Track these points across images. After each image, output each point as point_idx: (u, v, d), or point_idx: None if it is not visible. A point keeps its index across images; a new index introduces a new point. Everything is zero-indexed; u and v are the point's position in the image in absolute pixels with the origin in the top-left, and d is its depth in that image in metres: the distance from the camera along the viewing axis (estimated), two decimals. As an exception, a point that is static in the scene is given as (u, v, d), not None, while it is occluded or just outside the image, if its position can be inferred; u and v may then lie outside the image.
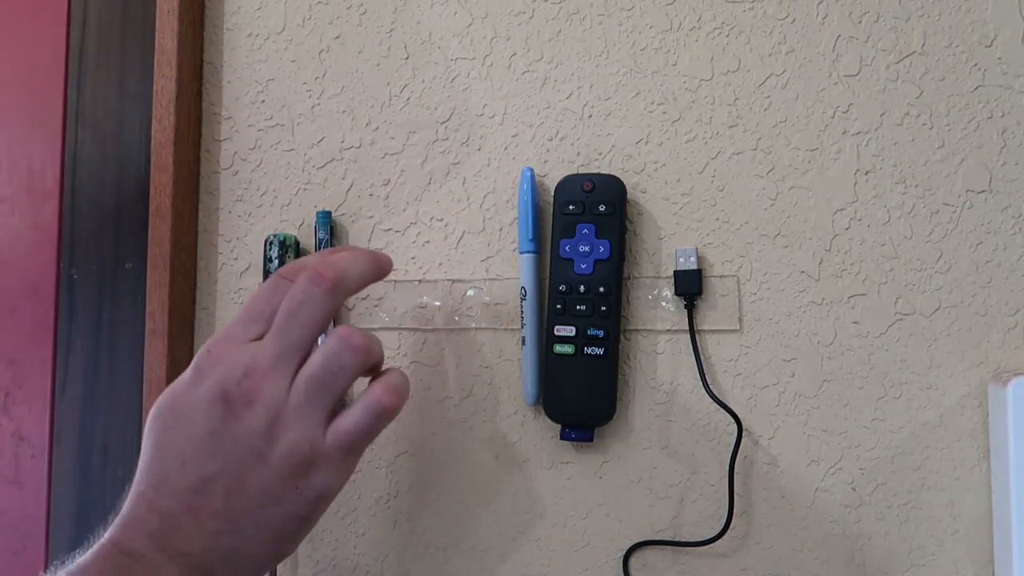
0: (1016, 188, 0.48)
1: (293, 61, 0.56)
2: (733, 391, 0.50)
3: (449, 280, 0.53)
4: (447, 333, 0.53)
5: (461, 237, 0.53)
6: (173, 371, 0.54)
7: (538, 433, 0.52)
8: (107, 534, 0.38)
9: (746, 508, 0.49)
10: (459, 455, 0.53)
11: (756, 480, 0.49)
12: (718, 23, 0.51)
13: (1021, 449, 0.44)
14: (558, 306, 0.49)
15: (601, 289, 0.49)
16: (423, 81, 0.55)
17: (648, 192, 0.51)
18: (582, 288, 0.49)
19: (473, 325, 0.53)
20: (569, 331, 0.49)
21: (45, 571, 0.38)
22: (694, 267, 0.49)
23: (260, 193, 0.56)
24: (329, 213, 0.54)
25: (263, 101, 0.57)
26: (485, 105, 0.54)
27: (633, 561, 0.50)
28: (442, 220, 0.54)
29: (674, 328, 0.50)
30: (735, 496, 0.48)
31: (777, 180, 0.50)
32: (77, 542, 0.45)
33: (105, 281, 0.59)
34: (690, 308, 0.50)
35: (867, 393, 0.49)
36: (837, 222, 0.49)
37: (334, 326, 0.44)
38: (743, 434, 0.49)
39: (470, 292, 0.53)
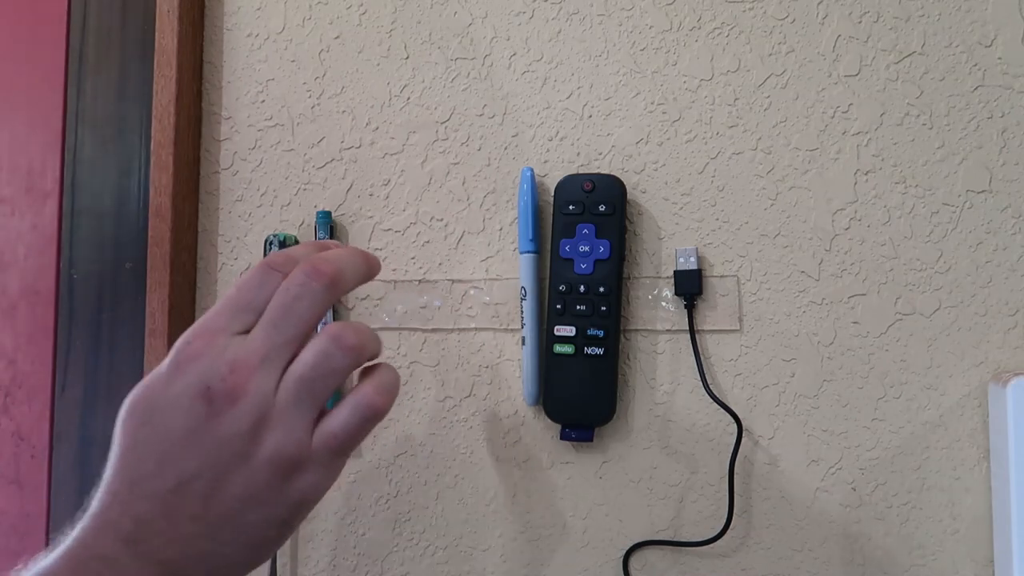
0: (1016, 188, 0.48)
1: (293, 61, 0.56)
2: (733, 391, 0.50)
3: (449, 280, 0.53)
4: (447, 333, 0.53)
5: (461, 237, 0.53)
6: (173, 371, 0.54)
7: (538, 433, 0.52)
8: (76, 535, 0.35)
9: (746, 508, 0.49)
10: (459, 455, 0.53)
11: (756, 480, 0.49)
12: (718, 23, 0.51)
13: (1021, 449, 0.44)
14: (558, 306, 0.49)
15: (601, 289, 0.49)
16: (423, 81, 0.55)
17: (648, 192, 0.51)
18: (582, 288, 0.49)
19: (473, 325, 0.53)
20: (569, 331, 0.49)
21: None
22: (694, 267, 0.49)
23: (260, 193, 0.56)
24: (329, 213, 0.54)
25: (263, 101, 0.57)
26: (485, 105, 0.54)
27: (633, 561, 0.50)
28: (442, 220, 0.54)
29: (674, 328, 0.50)
30: (735, 496, 0.48)
31: (777, 180, 0.50)
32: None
33: (105, 281, 0.59)
34: (690, 308, 0.50)
35: (867, 393, 0.49)
36: (837, 222, 0.49)
37: (327, 322, 0.43)
38: (743, 434, 0.49)
39: (470, 292, 0.53)
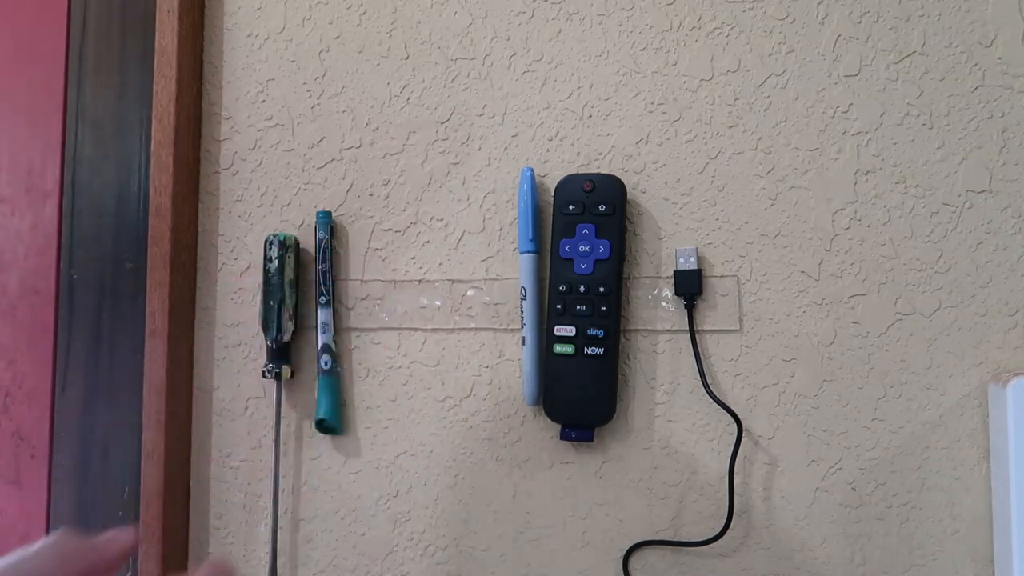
0: (1016, 188, 0.48)
1: (293, 61, 0.56)
2: (733, 391, 0.50)
3: (449, 280, 0.53)
4: (447, 333, 0.53)
5: (461, 237, 0.53)
6: (173, 371, 0.54)
7: (538, 433, 0.52)
8: None
9: (746, 508, 0.49)
10: (459, 455, 0.53)
11: (756, 480, 0.49)
12: (718, 23, 0.51)
13: (1021, 449, 0.44)
14: (558, 306, 0.49)
15: (601, 289, 0.49)
16: (423, 81, 0.55)
17: (648, 192, 0.51)
18: (582, 288, 0.49)
19: (473, 325, 0.53)
20: (569, 331, 0.49)
21: None
22: (694, 267, 0.49)
23: (260, 193, 0.56)
24: (329, 213, 0.54)
25: (263, 101, 0.57)
26: (485, 105, 0.54)
27: (633, 561, 0.50)
28: (442, 220, 0.54)
29: (674, 328, 0.50)
30: (735, 496, 0.48)
31: (777, 180, 0.50)
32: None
33: (105, 281, 0.59)
34: (690, 308, 0.50)
35: (867, 393, 0.49)
36: (837, 222, 0.49)
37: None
38: (743, 434, 0.49)
39: (470, 292, 0.53)
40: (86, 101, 0.60)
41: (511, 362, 0.52)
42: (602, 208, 0.49)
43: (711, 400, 0.49)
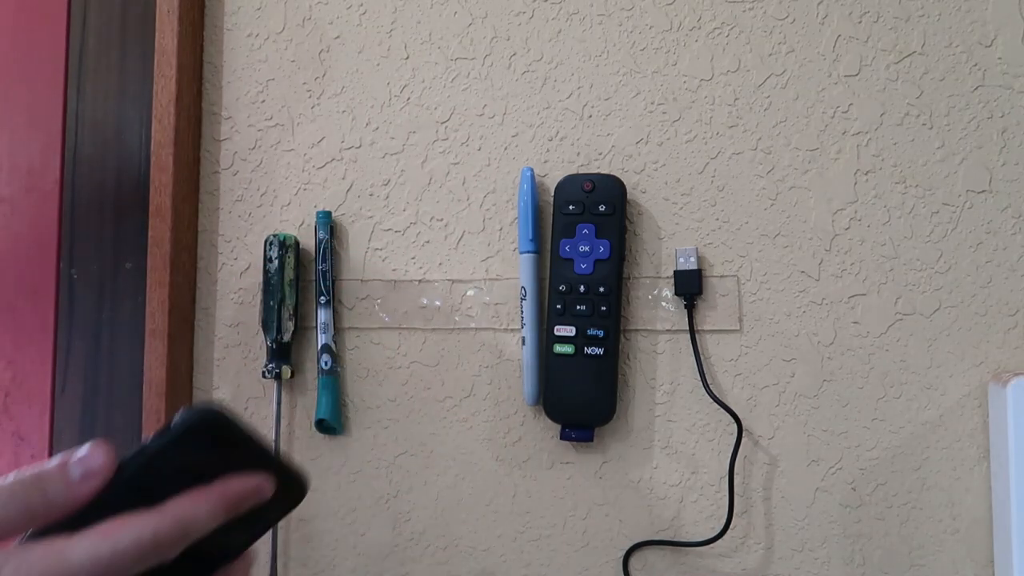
0: (1016, 188, 0.48)
1: (293, 61, 0.56)
2: (733, 391, 0.50)
3: (449, 280, 0.53)
4: (447, 333, 0.53)
5: (461, 237, 0.53)
6: (173, 371, 0.54)
7: (538, 433, 0.52)
8: None
9: (746, 508, 0.49)
10: (459, 455, 0.53)
11: (756, 480, 0.49)
12: (718, 23, 0.51)
13: (1021, 449, 0.44)
14: (558, 306, 0.49)
15: (601, 289, 0.49)
16: (423, 81, 0.55)
17: (648, 192, 0.51)
18: (582, 288, 0.49)
19: (473, 325, 0.53)
20: (569, 331, 0.49)
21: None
22: (694, 267, 0.49)
23: (260, 193, 0.56)
24: (329, 213, 0.54)
25: (263, 101, 0.57)
26: (485, 105, 0.54)
27: (633, 561, 0.50)
28: (442, 220, 0.54)
29: (674, 328, 0.50)
30: (735, 496, 0.48)
31: (777, 180, 0.50)
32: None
33: (105, 281, 0.59)
34: (690, 308, 0.49)
35: (867, 393, 0.49)
36: (837, 222, 0.49)
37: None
38: (743, 434, 0.48)
39: (470, 292, 0.53)
40: (86, 101, 0.60)
41: (511, 362, 0.52)
42: (602, 208, 0.49)
43: (711, 400, 0.49)
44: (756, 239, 0.50)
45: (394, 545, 0.53)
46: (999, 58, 0.48)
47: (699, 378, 0.49)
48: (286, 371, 0.54)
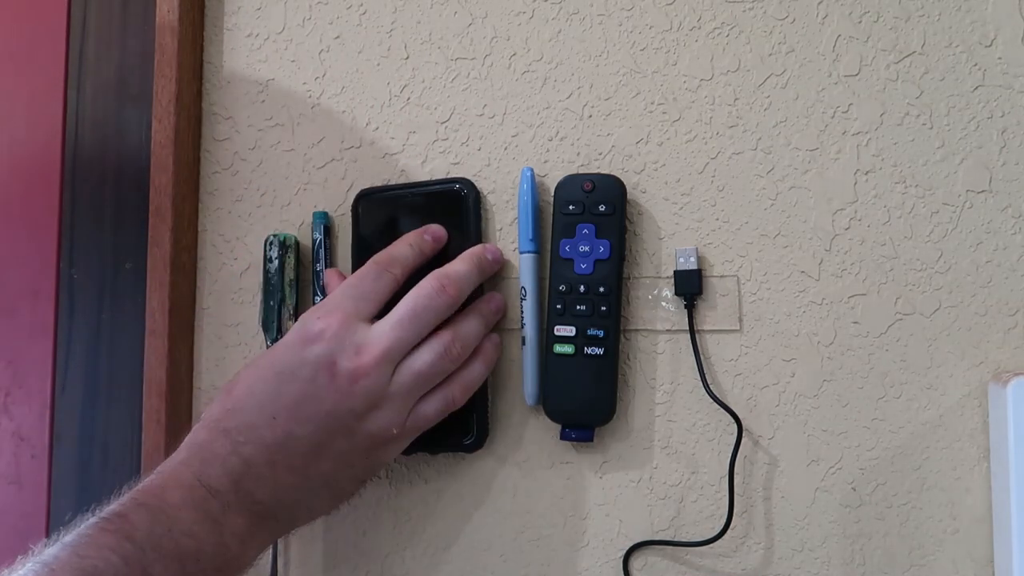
0: (1016, 188, 0.48)
1: (293, 61, 0.56)
2: (733, 391, 0.50)
3: (449, 280, 0.53)
4: (447, 333, 0.53)
5: (461, 237, 0.53)
6: (173, 371, 0.54)
7: (538, 433, 0.52)
8: (181, 461, 0.40)
9: (746, 508, 0.49)
10: (459, 455, 0.52)
11: (756, 480, 0.49)
12: (718, 23, 0.51)
13: (1021, 449, 0.44)
14: (558, 306, 0.49)
15: (601, 289, 0.49)
16: (423, 81, 0.55)
17: (648, 192, 0.51)
18: (582, 288, 0.49)
19: (473, 325, 0.53)
20: (569, 331, 0.49)
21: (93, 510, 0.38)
22: (694, 267, 0.49)
23: (260, 193, 0.56)
24: (325, 213, 0.54)
25: (263, 101, 0.57)
26: (485, 105, 0.54)
27: (633, 561, 0.50)
28: (442, 220, 0.54)
29: (674, 328, 0.50)
30: (735, 496, 0.48)
31: (777, 180, 0.50)
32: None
33: (105, 281, 0.59)
34: (690, 308, 0.50)
35: (867, 393, 0.49)
36: (837, 222, 0.49)
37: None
38: (743, 434, 0.49)
39: (470, 292, 0.53)
40: (86, 101, 0.60)
41: (511, 362, 0.52)
42: (602, 208, 0.49)
43: (711, 400, 0.49)
44: (756, 239, 0.50)
45: (394, 545, 0.53)
46: (999, 58, 0.48)
47: (699, 378, 0.49)
48: (286, 371, 0.54)
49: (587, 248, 0.49)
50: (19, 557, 0.35)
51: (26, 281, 0.61)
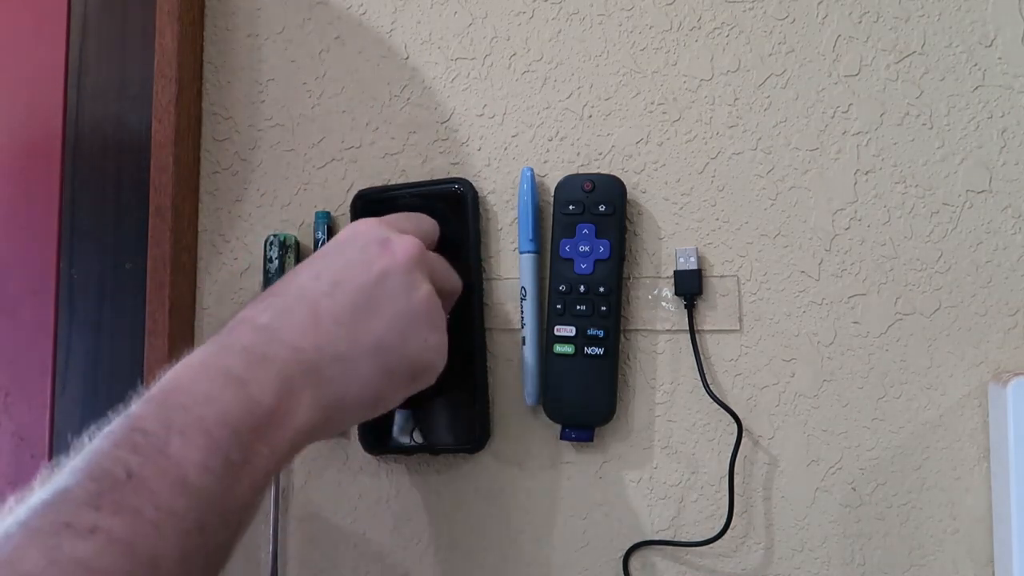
0: (1016, 188, 0.48)
1: (293, 61, 0.56)
2: (733, 391, 0.50)
3: (449, 280, 0.53)
4: (447, 333, 0.53)
5: (461, 237, 0.53)
6: (173, 371, 0.54)
7: (538, 433, 0.52)
8: (239, 334, 0.37)
9: (746, 508, 0.49)
10: (459, 455, 0.52)
11: (756, 480, 0.49)
12: (718, 23, 0.51)
13: (1021, 449, 0.44)
14: (558, 306, 0.49)
15: (601, 289, 0.49)
16: (423, 81, 0.55)
17: (648, 192, 0.51)
18: (582, 288, 0.49)
19: (473, 325, 0.53)
20: (569, 331, 0.49)
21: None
22: (694, 267, 0.49)
23: (260, 193, 0.56)
24: (328, 213, 0.54)
25: (263, 101, 0.57)
26: (485, 105, 0.54)
27: (633, 561, 0.50)
28: (442, 220, 0.54)
29: (674, 328, 0.50)
30: (735, 496, 0.48)
31: (777, 180, 0.50)
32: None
33: (105, 281, 0.59)
34: (690, 308, 0.50)
35: (867, 393, 0.49)
36: (837, 222, 0.49)
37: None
38: (743, 434, 0.49)
39: (470, 292, 0.53)
40: (86, 101, 0.60)
41: (511, 362, 0.52)
42: (602, 208, 0.49)
43: (711, 400, 0.49)
44: (756, 239, 0.50)
45: (394, 545, 0.53)
46: (999, 58, 0.48)
47: (699, 378, 0.49)
48: (286, 371, 0.53)
49: (587, 248, 0.49)
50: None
51: (26, 281, 0.61)
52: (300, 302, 0.38)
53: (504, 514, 0.52)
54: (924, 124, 0.49)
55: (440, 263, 0.46)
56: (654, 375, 0.51)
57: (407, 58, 0.55)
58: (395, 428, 0.51)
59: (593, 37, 0.52)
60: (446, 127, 0.54)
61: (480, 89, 0.54)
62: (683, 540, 0.50)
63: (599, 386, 0.49)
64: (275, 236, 0.54)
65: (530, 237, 0.51)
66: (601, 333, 0.49)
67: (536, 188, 0.52)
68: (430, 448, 0.51)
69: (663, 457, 0.50)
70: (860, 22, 0.50)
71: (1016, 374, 0.45)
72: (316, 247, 0.54)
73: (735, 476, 0.48)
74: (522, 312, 0.51)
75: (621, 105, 0.52)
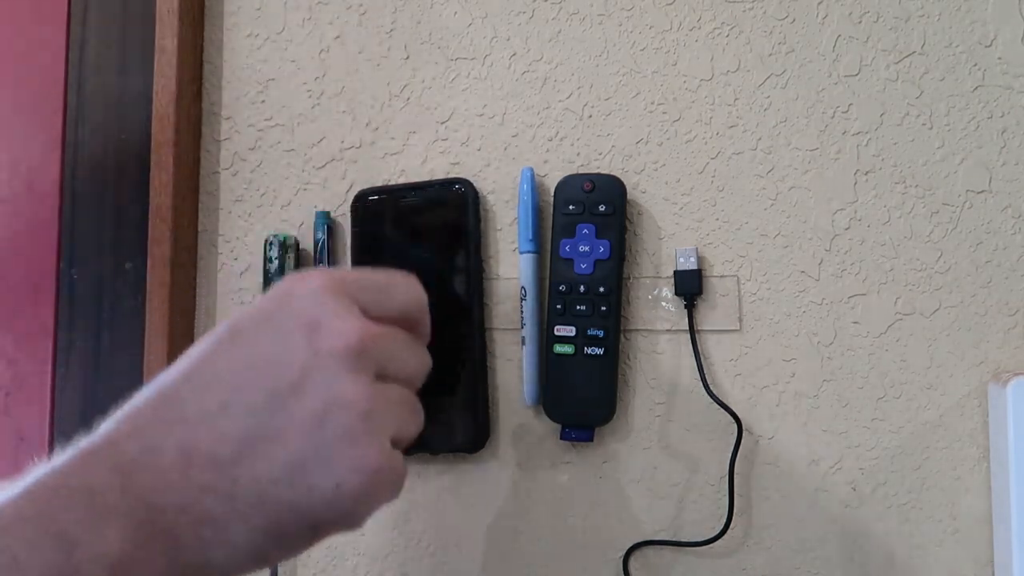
0: (1016, 188, 0.48)
1: (293, 61, 0.56)
2: (733, 391, 0.50)
3: (449, 280, 0.53)
4: (447, 333, 0.53)
5: (461, 237, 0.53)
6: (173, 371, 0.54)
7: (538, 433, 0.52)
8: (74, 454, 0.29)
9: (746, 508, 0.49)
10: (459, 455, 0.52)
11: (756, 480, 0.49)
12: (718, 23, 0.51)
13: (1021, 449, 0.44)
14: (558, 306, 0.49)
15: (601, 289, 0.49)
16: (423, 81, 0.55)
17: (648, 192, 0.51)
18: (582, 288, 0.49)
19: (473, 325, 0.53)
20: (569, 331, 0.49)
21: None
22: (694, 267, 0.49)
23: (260, 193, 0.56)
24: (327, 213, 0.54)
25: (263, 101, 0.57)
26: (485, 105, 0.54)
27: (633, 561, 0.50)
28: (442, 220, 0.54)
29: (674, 328, 0.50)
30: (735, 496, 0.48)
31: (777, 180, 0.50)
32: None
33: (105, 281, 0.59)
34: (690, 308, 0.50)
35: (867, 393, 0.49)
36: (837, 222, 0.49)
37: None
38: (743, 434, 0.49)
39: (470, 292, 0.53)
40: (86, 101, 0.60)
41: (511, 362, 0.52)
42: (602, 208, 0.49)
43: (711, 400, 0.49)
44: (756, 239, 0.50)
45: (394, 545, 0.53)
46: (999, 58, 0.48)
47: (699, 378, 0.49)
48: (286, 371, 0.53)
49: (587, 248, 0.49)
50: None
51: (26, 281, 0.61)
52: (173, 432, 0.29)
53: (504, 514, 0.52)
54: (924, 124, 0.49)
55: (399, 346, 0.33)
56: (654, 375, 0.51)
57: (407, 58, 0.55)
58: None
59: (593, 37, 0.52)
60: (446, 127, 0.54)
61: (480, 89, 0.54)
62: (683, 540, 0.50)
63: (599, 386, 0.49)
64: (275, 236, 0.54)
65: (530, 237, 0.51)
66: (601, 333, 0.49)
67: (536, 188, 0.52)
68: (430, 448, 0.51)
69: (663, 457, 0.50)
70: (860, 22, 0.50)
71: (1016, 374, 0.45)
72: (316, 247, 0.54)
73: (735, 476, 0.48)
74: (522, 312, 0.51)
75: (621, 105, 0.52)
